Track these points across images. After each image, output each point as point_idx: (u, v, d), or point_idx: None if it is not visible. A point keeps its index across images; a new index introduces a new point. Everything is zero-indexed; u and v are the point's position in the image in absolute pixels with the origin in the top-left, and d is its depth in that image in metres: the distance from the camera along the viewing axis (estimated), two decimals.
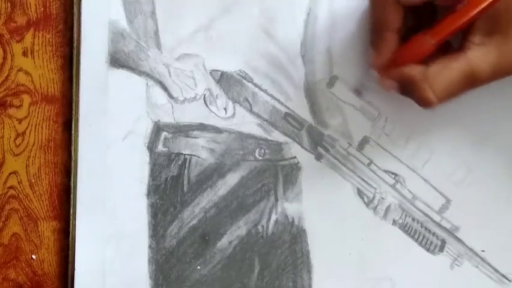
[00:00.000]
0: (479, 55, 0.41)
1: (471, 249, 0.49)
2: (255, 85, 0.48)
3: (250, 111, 0.48)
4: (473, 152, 0.48)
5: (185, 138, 0.48)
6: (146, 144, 0.48)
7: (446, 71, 0.42)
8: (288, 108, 0.48)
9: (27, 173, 0.48)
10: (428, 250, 0.49)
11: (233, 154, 0.48)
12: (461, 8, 0.41)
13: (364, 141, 0.48)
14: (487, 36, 0.41)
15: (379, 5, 0.43)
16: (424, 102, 0.42)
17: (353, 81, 0.48)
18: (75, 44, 0.47)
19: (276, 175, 0.49)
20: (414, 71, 0.42)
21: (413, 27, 0.43)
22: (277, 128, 0.48)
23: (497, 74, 0.42)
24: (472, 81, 0.42)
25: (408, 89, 0.43)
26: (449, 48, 0.43)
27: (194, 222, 0.49)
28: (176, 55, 0.48)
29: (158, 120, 0.48)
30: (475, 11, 0.40)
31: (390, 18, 0.42)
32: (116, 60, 0.48)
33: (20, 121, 0.48)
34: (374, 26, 0.44)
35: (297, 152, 0.48)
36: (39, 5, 0.48)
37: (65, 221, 0.49)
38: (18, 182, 0.48)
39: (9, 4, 0.48)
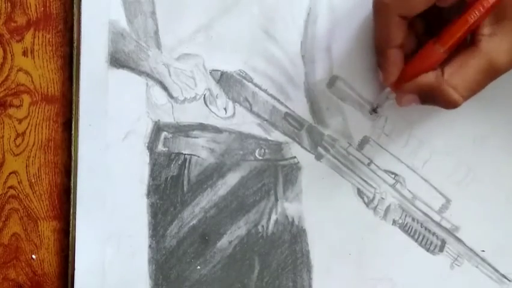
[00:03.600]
0: (493, 46, 0.41)
1: (471, 249, 0.49)
2: (255, 85, 0.48)
3: (250, 111, 0.48)
4: (473, 152, 0.48)
5: (185, 138, 0.48)
6: (146, 144, 0.48)
7: (464, 69, 0.42)
8: (288, 108, 0.48)
9: (27, 173, 0.48)
10: (428, 250, 0.49)
11: (233, 154, 0.48)
12: (467, 12, 0.40)
13: (364, 141, 0.48)
14: (496, 25, 0.41)
15: (382, 22, 0.43)
16: (450, 104, 0.42)
17: (356, 85, 0.48)
18: (75, 44, 0.47)
19: (276, 175, 0.49)
20: (430, 78, 0.42)
21: (423, 32, 0.44)
22: (277, 128, 0.48)
23: None
24: (492, 73, 0.42)
25: (430, 97, 0.43)
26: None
27: (194, 222, 0.49)
28: (176, 55, 0.48)
29: (158, 120, 0.48)
30: (481, 13, 0.40)
31: (393, 34, 0.42)
32: (116, 60, 0.48)
33: (20, 121, 0.48)
34: (377, 45, 0.44)
35: (297, 152, 0.48)
36: (39, 5, 0.48)
37: (65, 221, 0.49)
38: (18, 182, 0.48)
39: (9, 4, 0.48)
